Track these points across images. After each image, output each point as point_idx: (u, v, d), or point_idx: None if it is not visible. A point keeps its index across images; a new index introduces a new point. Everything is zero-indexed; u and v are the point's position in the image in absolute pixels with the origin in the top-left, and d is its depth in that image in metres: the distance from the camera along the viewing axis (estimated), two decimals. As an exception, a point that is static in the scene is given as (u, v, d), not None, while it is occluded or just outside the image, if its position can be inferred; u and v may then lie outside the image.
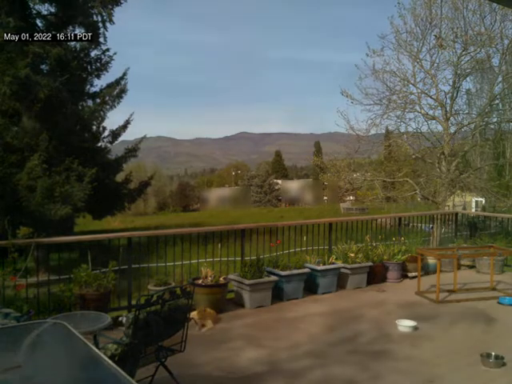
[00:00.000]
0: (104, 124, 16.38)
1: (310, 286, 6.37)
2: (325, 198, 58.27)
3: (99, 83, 16.36)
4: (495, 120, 14.21)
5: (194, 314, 4.89)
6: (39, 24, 14.73)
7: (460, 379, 3.80)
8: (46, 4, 14.46)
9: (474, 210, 19.28)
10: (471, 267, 7.99)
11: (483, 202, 20.09)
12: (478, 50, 12.60)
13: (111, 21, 14.89)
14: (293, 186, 65.56)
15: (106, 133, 16.53)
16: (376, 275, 6.90)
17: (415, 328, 4.90)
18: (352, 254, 6.74)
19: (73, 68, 14.03)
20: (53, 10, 14.65)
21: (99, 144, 16.54)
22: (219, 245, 6.54)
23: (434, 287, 6.21)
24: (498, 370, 3.90)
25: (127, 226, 26.63)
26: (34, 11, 14.49)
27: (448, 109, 13.02)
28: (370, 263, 6.76)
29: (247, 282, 5.65)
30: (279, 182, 61.73)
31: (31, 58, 12.28)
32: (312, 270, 6.31)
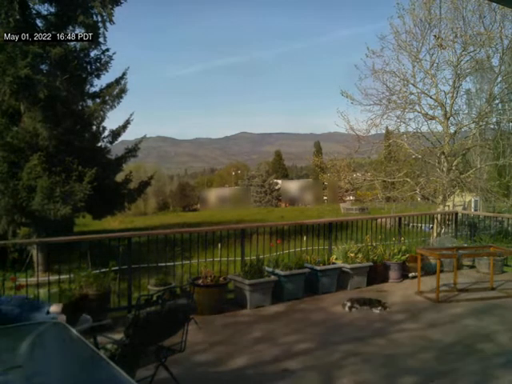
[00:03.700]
0: (104, 124, 16.40)
1: (311, 285, 6.37)
2: (325, 197, 58.27)
3: (99, 83, 16.37)
4: (495, 120, 14.22)
5: None
6: (39, 24, 14.72)
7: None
8: (46, 4, 14.46)
9: (473, 210, 19.27)
10: (471, 267, 7.99)
11: (478, 201, 20.09)
12: (478, 50, 12.58)
13: (111, 21, 14.87)
14: (293, 186, 65.60)
15: (106, 133, 16.52)
16: (376, 275, 6.90)
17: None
18: (352, 254, 6.74)
19: (73, 68, 14.03)
20: (53, 10, 14.65)
21: (99, 144, 16.52)
22: (219, 245, 6.54)
23: (434, 287, 6.21)
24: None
25: (127, 226, 26.62)
26: (34, 11, 14.48)
27: (448, 109, 13.01)
28: (370, 263, 6.75)
29: (247, 281, 5.65)
30: (279, 182, 61.71)
31: (31, 57, 12.28)
32: (312, 269, 6.31)
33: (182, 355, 3.84)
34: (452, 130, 13.42)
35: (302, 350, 4.42)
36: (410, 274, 7.23)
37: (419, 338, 4.72)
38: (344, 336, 4.79)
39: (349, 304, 5.71)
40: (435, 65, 12.90)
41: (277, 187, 58.98)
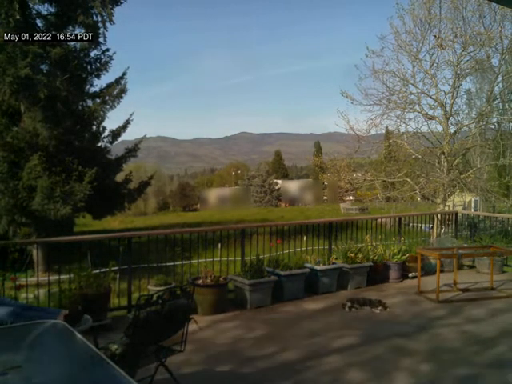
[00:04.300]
0: (104, 124, 16.39)
1: (311, 285, 6.37)
2: (325, 197, 58.31)
3: (99, 83, 16.38)
4: (495, 120, 14.22)
5: None
6: (39, 24, 14.72)
7: None
8: (46, 4, 14.46)
9: (473, 210, 19.27)
10: (471, 267, 7.99)
11: (478, 201, 20.10)
12: (478, 50, 12.59)
13: (111, 21, 14.87)
14: (293, 186, 65.58)
15: (106, 133, 16.52)
16: (376, 275, 6.90)
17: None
18: (352, 254, 6.74)
19: (73, 68, 14.02)
20: (53, 9, 14.64)
21: (99, 144, 16.52)
22: (219, 245, 6.54)
23: (434, 287, 6.21)
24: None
25: (127, 226, 26.63)
26: (34, 11, 14.48)
27: (448, 109, 13.01)
28: (370, 263, 6.75)
29: (247, 281, 5.64)
30: (279, 182, 61.70)
31: (31, 57, 12.27)
32: (312, 269, 6.31)
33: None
34: (452, 130, 13.43)
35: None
36: (410, 274, 7.23)
37: (415, 339, 4.72)
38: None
39: (349, 304, 5.71)
40: (435, 65, 12.91)
41: (277, 187, 58.97)
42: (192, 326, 4.79)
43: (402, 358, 4.23)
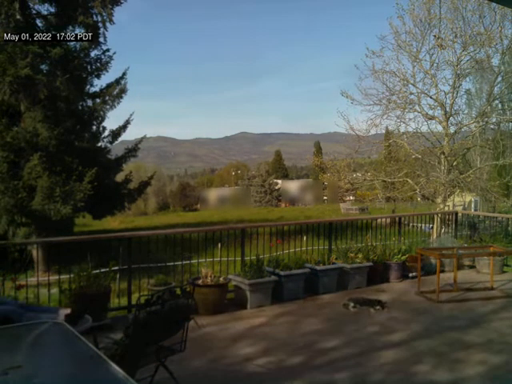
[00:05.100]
0: (104, 124, 16.42)
1: (311, 285, 6.37)
2: (325, 197, 58.35)
3: (99, 83, 16.41)
4: (495, 120, 14.22)
5: None
6: (39, 24, 14.74)
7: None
8: (46, 4, 14.48)
9: (473, 210, 19.27)
10: (471, 267, 7.99)
11: (478, 201, 20.12)
12: (478, 50, 12.60)
13: (111, 21, 14.90)
14: (293, 186, 65.62)
15: (106, 133, 16.55)
16: (376, 275, 6.89)
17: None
18: (352, 254, 6.74)
19: (73, 68, 14.04)
20: (53, 10, 14.67)
21: (99, 144, 16.55)
22: (219, 245, 6.53)
23: (434, 287, 6.21)
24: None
25: (127, 226, 26.65)
26: (34, 11, 14.50)
27: (448, 109, 13.01)
28: (370, 263, 6.75)
29: (247, 281, 5.64)
30: (279, 182, 61.73)
31: (31, 57, 12.29)
32: (312, 269, 6.30)
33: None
34: (452, 130, 13.43)
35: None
36: (410, 274, 7.22)
37: (413, 340, 4.73)
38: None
39: (352, 304, 5.70)
40: (435, 65, 12.91)
41: (277, 187, 58.99)
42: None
43: (402, 357, 4.24)
